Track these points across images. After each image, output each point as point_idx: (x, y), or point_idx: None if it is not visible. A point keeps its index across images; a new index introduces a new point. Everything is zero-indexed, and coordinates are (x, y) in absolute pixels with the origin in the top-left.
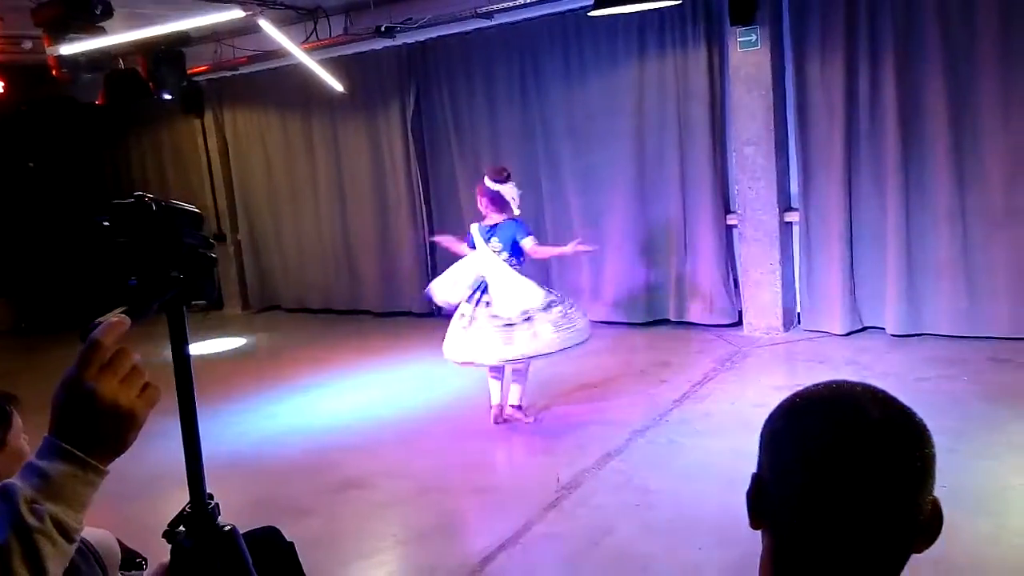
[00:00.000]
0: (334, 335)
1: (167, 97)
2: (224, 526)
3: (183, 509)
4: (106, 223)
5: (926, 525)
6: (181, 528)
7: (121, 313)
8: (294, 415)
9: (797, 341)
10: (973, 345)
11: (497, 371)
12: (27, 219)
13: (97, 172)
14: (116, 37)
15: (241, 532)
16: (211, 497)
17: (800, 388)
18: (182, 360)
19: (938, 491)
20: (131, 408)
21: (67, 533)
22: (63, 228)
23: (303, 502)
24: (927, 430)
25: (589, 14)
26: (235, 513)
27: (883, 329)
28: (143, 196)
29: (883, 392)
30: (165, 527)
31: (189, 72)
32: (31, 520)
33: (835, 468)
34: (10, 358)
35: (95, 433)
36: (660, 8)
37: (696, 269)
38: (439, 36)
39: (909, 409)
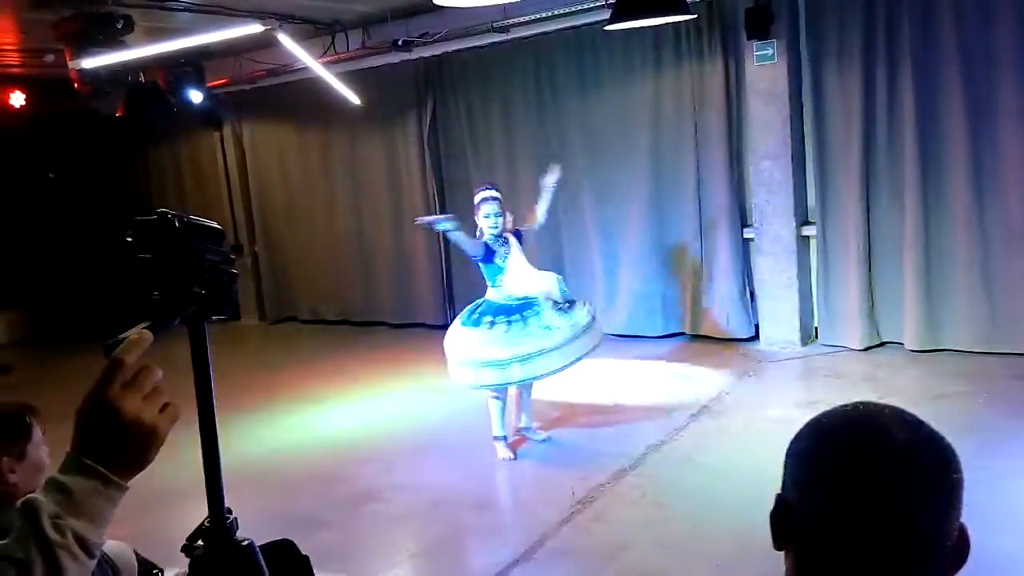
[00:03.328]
0: (350, 347)
1: (193, 100)
2: (242, 541)
3: (202, 523)
4: (129, 238)
5: (953, 551)
6: (199, 542)
7: (143, 328)
8: (309, 427)
9: (814, 356)
10: (993, 361)
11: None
12: (46, 230)
13: (116, 184)
14: (137, 51)
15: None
16: (229, 512)
17: (826, 408)
18: (203, 375)
19: None
20: (153, 425)
21: (88, 549)
22: (82, 240)
23: (318, 515)
24: (955, 454)
25: (605, 28)
26: (249, 525)
27: (901, 344)
28: (166, 212)
29: (911, 415)
30: (183, 540)
31: (209, 85)
32: (54, 535)
33: (861, 492)
34: (28, 369)
35: (118, 449)
36: (676, 23)
37: (713, 282)
38: (455, 50)
39: (937, 433)
